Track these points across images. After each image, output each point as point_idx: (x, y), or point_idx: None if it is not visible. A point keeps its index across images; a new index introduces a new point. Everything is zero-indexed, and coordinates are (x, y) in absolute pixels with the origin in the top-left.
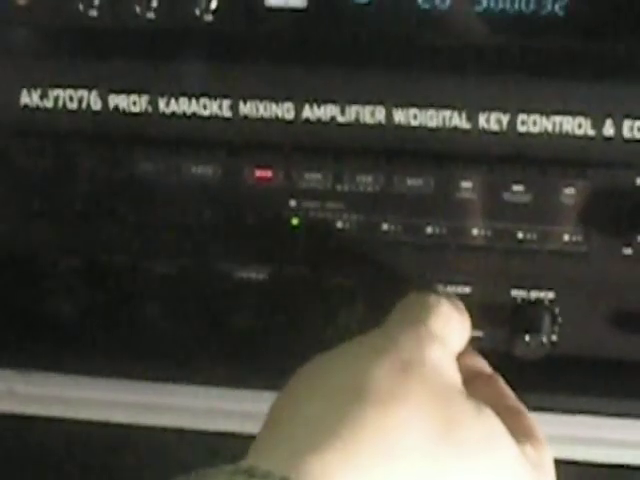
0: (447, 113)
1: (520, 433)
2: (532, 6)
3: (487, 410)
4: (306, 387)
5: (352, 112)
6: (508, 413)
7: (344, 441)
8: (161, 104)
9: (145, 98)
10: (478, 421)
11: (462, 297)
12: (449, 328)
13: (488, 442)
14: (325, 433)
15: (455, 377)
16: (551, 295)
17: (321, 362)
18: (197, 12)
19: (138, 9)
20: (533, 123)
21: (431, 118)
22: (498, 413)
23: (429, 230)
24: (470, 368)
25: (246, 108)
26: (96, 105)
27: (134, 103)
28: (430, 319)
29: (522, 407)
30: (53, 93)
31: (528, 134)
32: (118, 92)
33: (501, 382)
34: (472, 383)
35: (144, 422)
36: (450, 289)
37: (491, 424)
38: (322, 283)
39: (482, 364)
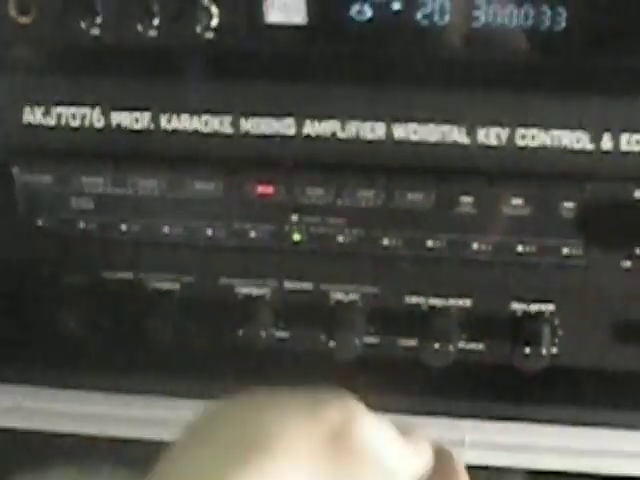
0: (446, 128)
1: None
2: (530, 21)
3: None
4: (214, 432)
5: (352, 128)
6: None
7: None
8: (163, 121)
9: (147, 115)
10: None
11: (462, 310)
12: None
13: None
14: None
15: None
16: (551, 308)
17: (236, 408)
18: (198, 30)
19: (140, 27)
20: (532, 137)
21: (431, 133)
22: None
23: (429, 244)
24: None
25: (247, 124)
26: (99, 122)
27: (136, 120)
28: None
29: None
30: (56, 110)
31: (527, 148)
32: (120, 109)
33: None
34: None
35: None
36: (451, 302)
37: None
38: (324, 297)
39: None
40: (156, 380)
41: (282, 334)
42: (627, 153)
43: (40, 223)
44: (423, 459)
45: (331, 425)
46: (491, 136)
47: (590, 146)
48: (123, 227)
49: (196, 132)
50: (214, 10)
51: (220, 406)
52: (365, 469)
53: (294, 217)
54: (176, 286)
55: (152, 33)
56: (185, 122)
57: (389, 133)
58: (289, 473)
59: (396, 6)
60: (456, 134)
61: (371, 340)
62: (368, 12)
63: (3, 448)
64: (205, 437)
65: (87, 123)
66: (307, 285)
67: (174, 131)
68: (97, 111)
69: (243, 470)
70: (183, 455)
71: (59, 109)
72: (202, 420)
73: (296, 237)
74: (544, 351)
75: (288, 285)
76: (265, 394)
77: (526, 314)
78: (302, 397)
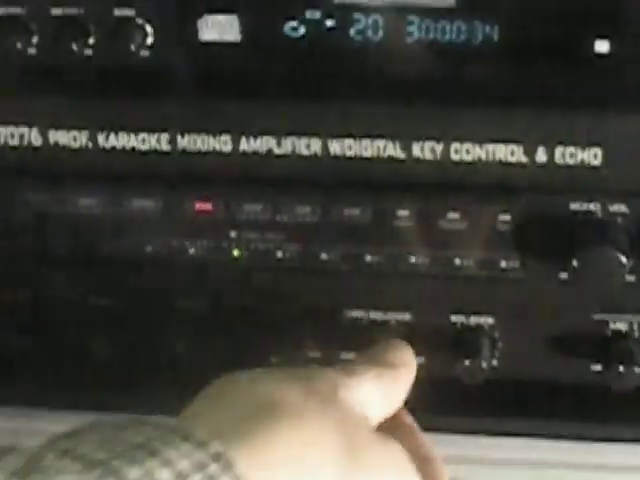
0: (382, 143)
1: (430, 478)
2: (463, 37)
3: (392, 442)
4: (217, 399)
5: (288, 144)
6: (423, 460)
7: (261, 442)
8: (101, 139)
9: (85, 133)
10: (384, 449)
11: (402, 324)
12: (364, 393)
13: (393, 468)
14: (242, 433)
15: (375, 416)
16: (490, 320)
17: (236, 379)
18: (133, 48)
19: (75, 47)
20: (466, 151)
21: (366, 148)
22: (413, 459)
23: (368, 259)
24: (393, 421)
25: (184, 141)
26: (37, 141)
27: (74, 139)
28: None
29: (435, 455)
30: None
31: (462, 162)
32: (58, 128)
33: (418, 432)
34: (393, 434)
35: None
36: (390, 316)
37: (396, 454)
38: (263, 313)
39: (403, 414)
40: (97, 395)
41: (220, 349)
42: (562, 166)
43: None
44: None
45: (321, 393)
46: (426, 151)
47: (525, 159)
48: (63, 244)
49: (133, 150)
50: (149, 29)
51: (223, 379)
52: (356, 423)
53: (233, 233)
54: (118, 302)
55: (88, 52)
56: (123, 140)
57: (325, 149)
58: (295, 427)
59: (329, 23)
60: (391, 149)
61: (314, 354)
62: (301, 29)
63: None
64: (213, 405)
65: (25, 142)
66: (247, 300)
67: (112, 149)
68: (35, 130)
69: (254, 426)
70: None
71: None
72: (209, 391)
73: (235, 253)
74: (484, 363)
75: (228, 300)
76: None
77: (465, 327)
78: (293, 372)
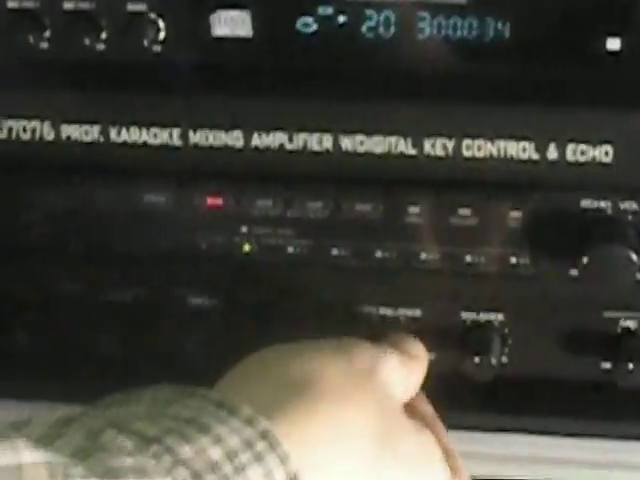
0: (393, 140)
1: (453, 471)
2: (474, 33)
3: (426, 431)
4: (258, 372)
5: (300, 140)
6: (445, 452)
7: (303, 420)
8: (112, 134)
9: (97, 128)
10: (417, 437)
11: (413, 320)
12: (395, 376)
13: (424, 457)
14: (284, 410)
15: (400, 399)
16: (500, 317)
17: (276, 353)
18: (145, 43)
19: (88, 41)
20: (478, 148)
21: (377, 145)
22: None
23: (378, 254)
24: (416, 410)
25: (196, 137)
26: (49, 135)
27: (86, 133)
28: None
29: (454, 450)
30: (7, 124)
31: (473, 159)
32: (70, 122)
33: (441, 426)
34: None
35: None
36: (401, 312)
37: (428, 443)
38: (275, 307)
39: (428, 408)
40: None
41: (234, 345)
42: (573, 163)
43: None
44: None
45: (361, 373)
46: (437, 147)
47: (536, 156)
48: (73, 238)
49: (145, 145)
50: (161, 24)
51: (263, 352)
52: (393, 407)
53: (244, 228)
54: (128, 298)
55: (100, 47)
56: (134, 135)
57: (336, 145)
58: (335, 406)
59: (341, 19)
60: (403, 145)
61: None
62: (313, 25)
63: None
64: (252, 379)
65: (37, 136)
66: (258, 295)
67: (124, 143)
68: (47, 124)
69: (296, 403)
70: (236, 389)
71: (9, 122)
72: (249, 362)
73: (246, 248)
74: (494, 360)
75: (240, 295)
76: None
77: (475, 323)
78: (336, 344)
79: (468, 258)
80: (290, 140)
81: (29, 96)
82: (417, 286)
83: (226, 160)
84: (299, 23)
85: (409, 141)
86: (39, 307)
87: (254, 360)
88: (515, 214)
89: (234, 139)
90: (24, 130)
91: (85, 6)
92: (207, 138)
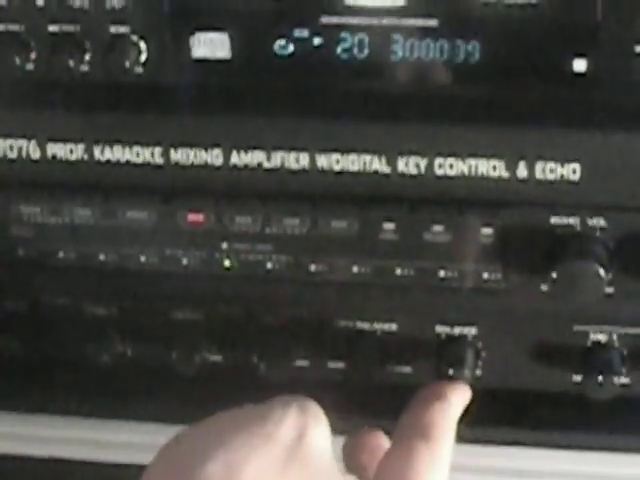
0: (368, 158)
1: None
2: (445, 55)
3: None
4: (175, 471)
5: (277, 158)
6: None
7: None
8: (96, 152)
9: (81, 146)
10: None
11: (388, 334)
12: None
13: None
14: None
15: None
16: (474, 331)
17: (193, 443)
18: (128, 64)
19: (72, 62)
20: (450, 166)
21: (352, 163)
22: None
23: (355, 270)
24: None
25: (177, 155)
26: (35, 154)
27: (71, 151)
28: None
29: None
30: None
31: (446, 177)
32: (55, 141)
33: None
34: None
35: (87, 457)
36: (377, 326)
37: None
38: (254, 322)
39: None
40: (94, 402)
41: (215, 357)
42: (542, 181)
43: None
44: None
45: (285, 443)
46: (411, 165)
47: (506, 174)
48: (60, 254)
49: (128, 163)
50: (143, 46)
51: (185, 433)
52: (321, 473)
53: (224, 244)
54: (112, 311)
55: (84, 68)
56: (117, 153)
57: (313, 163)
58: None
59: (317, 41)
60: (377, 164)
61: (302, 363)
62: (290, 47)
63: None
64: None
65: (24, 154)
66: (238, 309)
67: (107, 162)
68: (33, 143)
69: None
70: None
71: None
72: (173, 443)
73: (227, 263)
74: (468, 373)
75: (220, 309)
76: (225, 415)
77: (450, 337)
78: (257, 418)
79: (442, 273)
80: (268, 159)
81: (16, 116)
82: (392, 301)
83: (206, 178)
84: (276, 45)
85: (383, 159)
86: (26, 319)
87: (171, 453)
88: (487, 230)
89: (214, 157)
90: (11, 148)
91: (70, 29)
92: (188, 156)
